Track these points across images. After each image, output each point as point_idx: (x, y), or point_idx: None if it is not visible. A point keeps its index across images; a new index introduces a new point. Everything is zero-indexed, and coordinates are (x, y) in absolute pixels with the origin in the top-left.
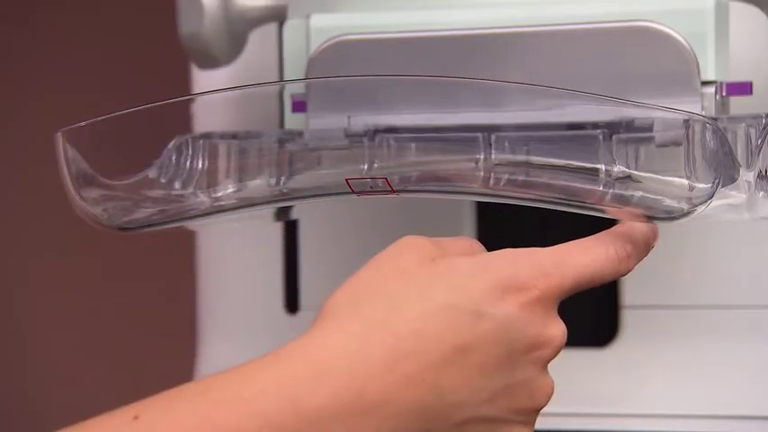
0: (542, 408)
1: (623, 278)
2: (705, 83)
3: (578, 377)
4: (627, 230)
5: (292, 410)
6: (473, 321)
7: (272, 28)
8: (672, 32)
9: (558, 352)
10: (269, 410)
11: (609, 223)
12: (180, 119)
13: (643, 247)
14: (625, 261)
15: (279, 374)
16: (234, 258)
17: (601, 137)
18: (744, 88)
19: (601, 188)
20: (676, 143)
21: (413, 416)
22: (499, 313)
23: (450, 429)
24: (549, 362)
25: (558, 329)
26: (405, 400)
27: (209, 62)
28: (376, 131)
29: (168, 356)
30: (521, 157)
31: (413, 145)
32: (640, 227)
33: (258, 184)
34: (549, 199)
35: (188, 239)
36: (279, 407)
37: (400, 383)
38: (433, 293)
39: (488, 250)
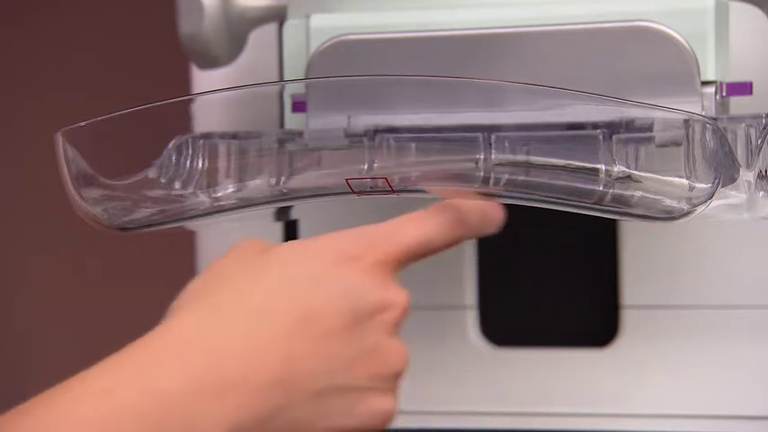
0: (400, 373)
1: (623, 278)
2: (705, 83)
3: (578, 377)
4: (457, 202)
5: (152, 397)
6: (313, 289)
7: (272, 28)
8: (672, 32)
9: (403, 316)
10: (129, 400)
11: (608, 222)
12: (180, 119)
13: (476, 214)
14: (454, 228)
15: (137, 363)
16: None
17: (601, 137)
18: (744, 88)
19: (601, 188)
20: (676, 143)
21: (269, 390)
22: (337, 280)
23: (307, 401)
24: (396, 326)
25: (398, 295)
26: (260, 375)
27: (209, 62)
28: (376, 131)
29: None
30: (521, 157)
31: (413, 145)
32: (472, 201)
33: (258, 184)
34: (549, 199)
35: (188, 239)
36: (139, 395)
37: (253, 359)
38: (271, 272)
39: (489, 252)
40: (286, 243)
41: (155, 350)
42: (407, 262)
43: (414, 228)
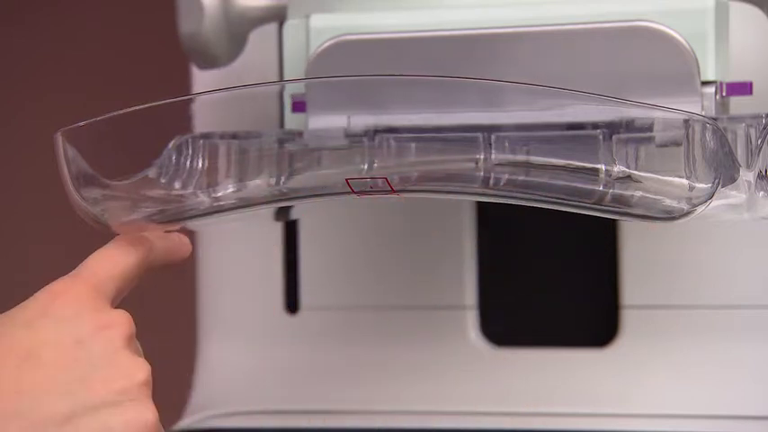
0: (144, 383)
1: (623, 278)
2: (705, 83)
3: (578, 377)
4: (144, 236)
5: None
6: (28, 329)
7: (272, 28)
8: (672, 32)
9: (127, 331)
10: None
11: (608, 222)
12: (180, 119)
13: (162, 244)
14: (144, 256)
15: None
16: (234, 258)
17: (601, 137)
18: (744, 88)
19: (601, 188)
20: (676, 143)
21: (6, 422)
22: (49, 316)
23: (56, 427)
24: (124, 340)
25: (117, 315)
26: (10, 407)
27: (209, 62)
28: (376, 131)
29: (168, 356)
30: (521, 157)
31: (413, 145)
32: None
33: (258, 184)
34: (549, 199)
35: (188, 239)
36: None
37: None
38: None
39: (489, 252)
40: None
41: None
42: (115, 288)
43: (101, 253)
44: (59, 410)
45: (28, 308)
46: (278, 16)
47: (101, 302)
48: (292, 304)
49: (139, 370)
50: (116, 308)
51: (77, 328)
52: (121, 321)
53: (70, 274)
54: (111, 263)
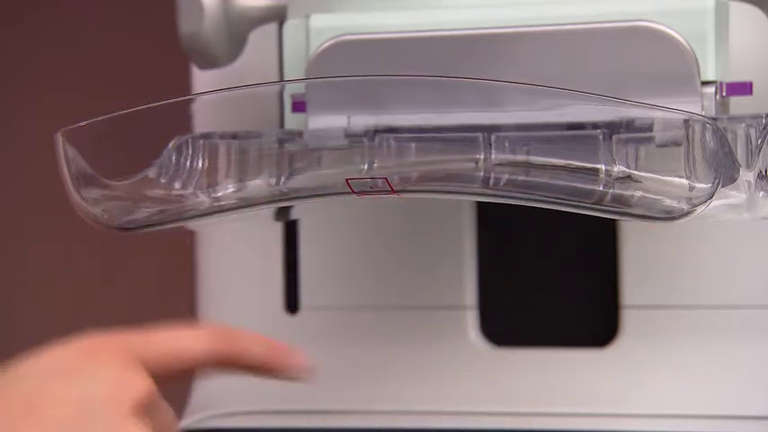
0: None
1: (623, 278)
2: (705, 83)
3: (578, 377)
4: (240, 333)
5: None
6: (40, 382)
7: (272, 28)
8: (672, 32)
9: (142, 398)
10: None
11: (608, 222)
12: (180, 119)
13: (259, 349)
14: (220, 350)
15: None
16: (234, 258)
17: (601, 137)
18: (744, 88)
19: (601, 188)
20: (676, 143)
21: None
22: (64, 372)
23: None
24: (133, 408)
25: (136, 380)
26: None
27: (209, 62)
28: (376, 131)
29: None
30: (521, 157)
31: (413, 145)
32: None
33: (258, 184)
34: (549, 199)
35: (188, 239)
36: None
37: None
38: (10, 376)
39: (489, 252)
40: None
41: None
42: (162, 363)
43: (169, 336)
44: None
45: (53, 357)
46: (278, 16)
47: (128, 366)
48: (292, 304)
49: None
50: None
51: (88, 387)
52: (137, 387)
53: (112, 332)
54: (168, 337)
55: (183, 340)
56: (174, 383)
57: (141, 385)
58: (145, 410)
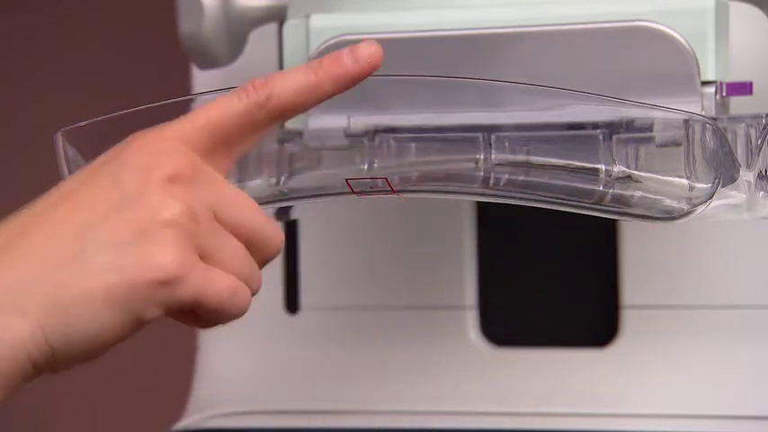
0: (168, 221)
1: (623, 278)
2: (705, 83)
3: (578, 377)
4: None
5: None
6: (83, 175)
7: (272, 28)
8: (672, 32)
9: (174, 171)
10: None
11: (608, 222)
12: None
13: (293, 75)
14: (252, 91)
15: None
16: None
17: (601, 137)
18: (744, 88)
19: (601, 188)
20: (676, 143)
21: (30, 260)
22: (108, 162)
23: (72, 264)
24: (164, 181)
25: (170, 158)
26: (19, 250)
27: (209, 62)
28: (376, 131)
29: (168, 356)
30: (521, 157)
31: (413, 145)
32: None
33: (258, 184)
34: (549, 199)
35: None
36: None
37: (12, 239)
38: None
39: (489, 252)
40: None
41: None
42: (206, 136)
43: (209, 104)
44: (74, 246)
45: (104, 154)
46: (278, 16)
47: (168, 148)
48: (292, 304)
49: (166, 210)
50: None
51: (121, 171)
52: (167, 164)
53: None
54: (206, 109)
55: (217, 104)
56: (239, 148)
57: (170, 161)
58: (177, 181)
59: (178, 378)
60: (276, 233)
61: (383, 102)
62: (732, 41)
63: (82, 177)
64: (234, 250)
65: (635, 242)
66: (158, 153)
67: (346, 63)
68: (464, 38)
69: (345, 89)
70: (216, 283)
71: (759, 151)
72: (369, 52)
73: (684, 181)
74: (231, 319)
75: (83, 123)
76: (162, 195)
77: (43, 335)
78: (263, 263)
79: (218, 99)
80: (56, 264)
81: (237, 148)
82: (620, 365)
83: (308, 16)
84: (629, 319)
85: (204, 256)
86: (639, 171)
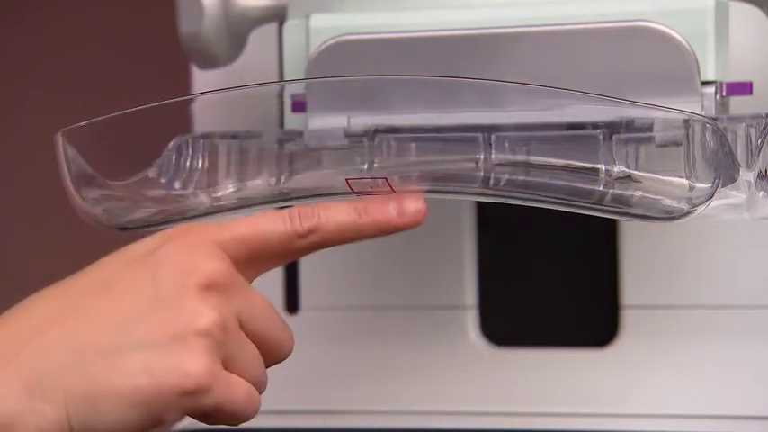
0: (201, 333)
1: (623, 278)
2: (705, 83)
3: (578, 377)
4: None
5: None
6: (122, 265)
7: (272, 28)
8: (672, 32)
9: (210, 279)
10: None
11: (608, 222)
12: (180, 119)
13: (338, 213)
14: (297, 220)
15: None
16: None
17: (601, 137)
18: (744, 88)
19: (601, 188)
20: (676, 143)
21: (64, 349)
22: (144, 254)
23: (105, 359)
24: (201, 288)
25: (208, 264)
26: (55, 336)
27: (209, 62)
28: (376, 131)
29: None
30: (521, 157)
31: (413, 145)
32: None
33: (258, 184)
34: (549, 199)
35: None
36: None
37: (50, 323)
38: (100, 261)
39: (489, 252)
40: None
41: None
42: (242, 249)
43: (253, 220)
44: (110, 343)
45: (137, 246)
46: (278, 16)
47: (203, 250)
48: (292, 304)
49: (202, 319)
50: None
51: (158, 266)
52: (205, 270)
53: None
54: (249, 224)
55: (261, 222)
56: (268, 265)
57: (208, 266)
58: (213, 290)
59: None
60: (289, 339)
61: (383, 102)
62: (732, 41)
63: (120, 266)
64: (252, 356)
65: (635, 242)
66: (197, 256)
67: (391, 214)
68: (464, 38)
69: (383, 235)
70: (236, 392)
71: (759, 151)
72: (415, 208)
73: (684, 181)
74: (242, 422)
75: (83, 123)
76: (198, 303)
77: (68, 423)
78: (271, 365)
79: (261, 216)
80: (90, 357)
81: (267, 264)
82: (620, 365)
83: (308, 16)
84: (629, 319)
85: (226, 363)
86: (639, 171)
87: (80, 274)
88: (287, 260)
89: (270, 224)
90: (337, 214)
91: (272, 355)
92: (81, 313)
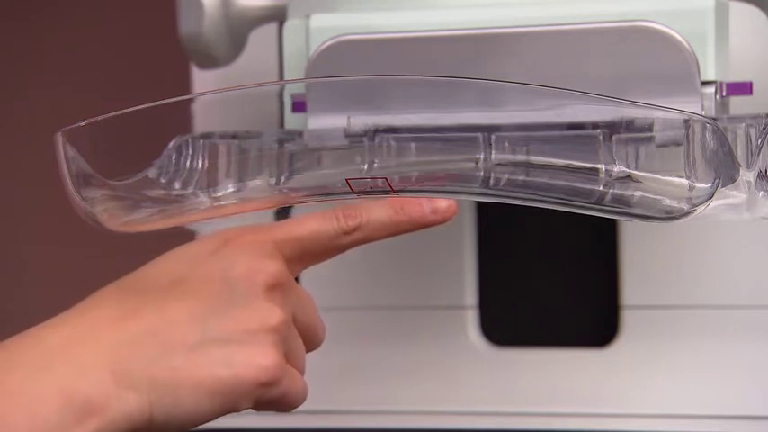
0: (272, 329)
1: (623, 278)
2: (705, 83)
3: (578, 377)
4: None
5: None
6: (190, 263)
7: (272, 28)
8: (672, 32)
9: (274, 281)
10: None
11: (608, 222)
12: (180, 119)
13: (378, 211)
14: (343, 219)
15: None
16: None
17: (601, 137)
18: (744, 88)
19: (601, 188)
20: (676, 143)
21: (147, 340)
22: (212, 254)
23: (184, 350)
24: (265, 288)
25: (271, 265)
26: (136, 328)
27: (209, 62)
28: (376, 131)
29: None
30: (521, 157)
31: (413, 145)
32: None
33: (258, 184)
34: (549, 199)
35: (188, 239)
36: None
37: (128, 315)
38: (163, 258)
39: (489, 252)
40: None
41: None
42: (295, 247)
43: (303, 221)
44: (191, 337)
45: (200, 245)
46: (278, 16)
47: (265, 251)
48: None
49: (272, 317)
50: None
51: (230, 268)
52: (271, 271)
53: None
54: (300, 225)
55: (311, 222)
56: (315, 261)
57: (272, 267)
58: (277, 289)
59: None
60: (324, 329)
61: (383, 102)
62: (732, 41)
63: (186, 265)
64: (301, 348)
65: (635, 242)
66: (261, 257)
67: (425, 211)
68: (464, 38)
69: (416, 230)
70: (297, 383)
71: (759, 151)
72: (447, 205)
73: (684, 181)
74: (292, 410)
75: (83, 123)
76: (267, 302)
77: (150, 410)
78: (307, 352)
79: (311, 217)
80: (174, 350)
81: (314, 260)
82: (620, 365)
83: (308, 16)
84: (629, 319)
85: (287, 356)
86: (639, 171)
87: (143, 271)
88: (332, 256)
89: (321, 224)
90: (377, 212)
91: (312, 345)
92: (159, 308)
